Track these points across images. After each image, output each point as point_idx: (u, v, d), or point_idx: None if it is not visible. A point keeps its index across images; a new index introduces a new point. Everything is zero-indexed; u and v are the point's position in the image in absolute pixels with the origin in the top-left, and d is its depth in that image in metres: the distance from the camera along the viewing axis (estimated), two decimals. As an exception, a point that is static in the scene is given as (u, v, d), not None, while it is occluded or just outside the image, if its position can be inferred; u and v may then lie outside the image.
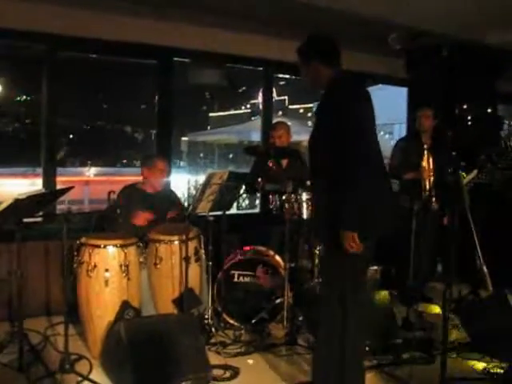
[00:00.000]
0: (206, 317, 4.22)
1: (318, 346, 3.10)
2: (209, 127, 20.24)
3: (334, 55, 3.01)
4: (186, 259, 3.92)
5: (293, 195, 4.26)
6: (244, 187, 4.69)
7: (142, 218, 4.31)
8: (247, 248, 4.71)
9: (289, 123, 5.26)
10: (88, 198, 12.00)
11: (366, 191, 2.74)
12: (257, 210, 6.30)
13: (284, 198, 4.31)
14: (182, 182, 11.84)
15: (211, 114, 20.98)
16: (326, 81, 2.98)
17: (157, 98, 5.32)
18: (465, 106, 6.21)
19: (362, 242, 2.83)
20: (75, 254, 3.82)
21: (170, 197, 4.62)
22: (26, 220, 3.50)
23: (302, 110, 19.21)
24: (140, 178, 4.54)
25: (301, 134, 9.52)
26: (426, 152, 4.73)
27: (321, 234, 3.08)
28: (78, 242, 3.85)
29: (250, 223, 5.40)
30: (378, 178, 2.87)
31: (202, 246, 4.26)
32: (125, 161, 18.74)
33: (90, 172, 14.87)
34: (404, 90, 6.86)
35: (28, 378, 3.30)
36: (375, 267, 4.79)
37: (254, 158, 5.11)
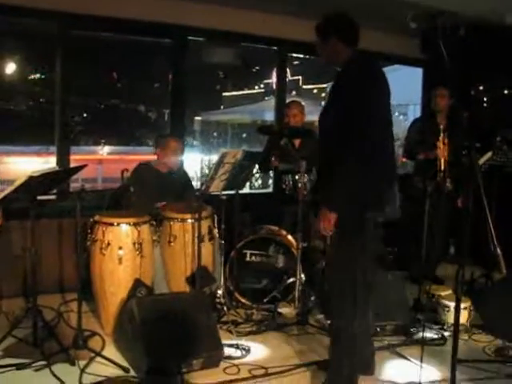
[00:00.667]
0: (218, 295, 4.24)
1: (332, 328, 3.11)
2: (222, 107, 20.16)
3: (352, 33, 2.98)
4: (199, 237, 3.93)
5: (306, 175, 4.25)
6: (257, 166, 4.69)
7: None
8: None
9: (303, 103, 5.23)
10: (101, 176, 12.06)
11: (360, 175, 2.71)
12: (270, 190, 6.30)
13: (297, 177, 4.29)
14: (195, 162, 11.85)
15: (225, 94, 20.86)
16: (342, 59, 2.95)
17: (170, 77, 5.31)
18: (481, 88, 6.13)
19: (367, 225, 2.84)
20: (89, 231, 3.85)
21: (183, 177, 4.63)
22: (39, 197, 3.52)
23: (315, 91, 19.03)
24: (154, 157, 4.55)
25: (314, 114, 9.43)
26: (441, 132, 4.68)
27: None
28: (91, 219, 3.87)
29: (263, 203, 5.40)
30: (383, 163, 2.85)
31: (216, 225, 4.27)
32: (139, 140, 18.79)
33: (104, 151, 14.91)
34: (418, 71, 6.78)
35: (42, 352, 3.34)
36: (389, 248, 4.78)
37: (268, 138, 5.10)
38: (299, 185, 4.20)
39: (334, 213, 2.79)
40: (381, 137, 2.81)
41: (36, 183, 3.20)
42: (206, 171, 14.08)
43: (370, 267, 3.05)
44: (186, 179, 4.70)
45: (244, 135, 17.50)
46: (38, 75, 16.27)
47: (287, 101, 5.55)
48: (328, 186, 2.80)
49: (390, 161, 2.95)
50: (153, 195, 4.35)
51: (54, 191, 4.65)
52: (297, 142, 4.93)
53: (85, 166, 3.53)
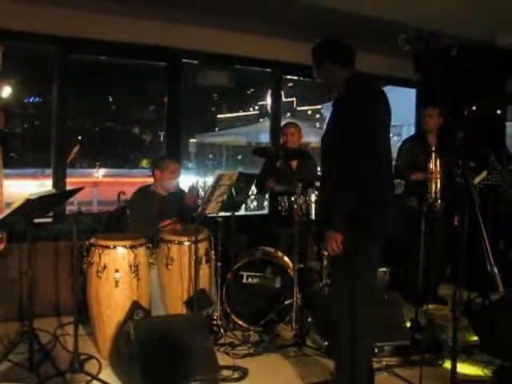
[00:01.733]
0: (215, 318, 4.23)
1: (333, 347, 3.11)
2: (217, 129, 20.24)
3: (347, 55, 3.00)
4: (197, 260, 3.94)
5: (302, 196, 4.27)
6: (253, 188, 4.70)
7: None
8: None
9: (299, 124, 5.27)
10: (97, 199, 12.06)
11: (364, 195, 2.74)
12: (265, 211, 6.30)
13: (293, 199, 4.31)
14: (191, 184, 11.89)
15: (219, 116, 20.97)
16: (339, 81, 2.98)
17: (166, 99, 5.34)
18: (474, 108, 6.19)
19: (370, 244, 2.85)
20: (85, 254, 3.86)
21: (182, 197, 4.65)
22: (36, 220, 3.52)
23: (310, 112, 19.16)
24: (150, 180, 4.57)
25: (310, 136, 9.51)
26: (433, 153, 4.72)
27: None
28: (87, 242, 3.87)
29: (259, 224, 5.41)
30: (386, 181, 2.88)
31: (212, 247, 4.28)
32: (134, 162, 18.83)
33: (99, 173, 14.93)
34: (412, 91, 6.85)
35: (38, 376, 3.31)
36: (384, 269, 4.78)
37: (264, 160, 5.12)
38: (295, 206, 4.21)
39: (340, 233, 2.80)
40: (384, 156, 2.85)
41: (33, 206, 3.20)
42: (202, 193, 14.11)
43: (373, 285, 3.05)
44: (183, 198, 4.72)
45: (239, 157, 17.56)
46: (34, 98, 16.35)
47: (282, 122, 5.59)
48: (333, 207, 2.81)
49: (390, 180, 2.99)
50: (151, 218, 4.35)
51: (51, 214, 4.69)
52: (294, 163, 4.96)
53: (81, 188, 3.54)
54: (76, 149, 4.17)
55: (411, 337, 3.99)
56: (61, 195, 3.67)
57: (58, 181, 4.85)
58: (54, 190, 3.66)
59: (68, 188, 4.75)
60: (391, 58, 5.87)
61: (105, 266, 3.75)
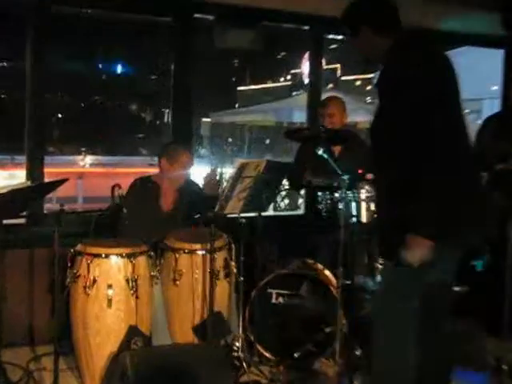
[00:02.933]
0: (236, 348, 4.24)
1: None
2: (238, 105, 20.31)
3: (388, 18, 3.00)
4: (213, 274, 3.95)
5: (349, 192, 4.25)
6: (285, 182, 4.71)
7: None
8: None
9: (343, 99, 5.25)
10: (82, 194, 12.16)
11: (450, 186, 2.71)
12: (300, 212, 6.30)
13: (337, 195, 4.30)
14: (204, 175, 11.92)
15: (241, 88, 21.03)
16: (383, 50, 2.96)
17: (172, 66, 5.36)
18: None
19: (449, 254, 2.83)
20: (69, 265, 3.89)
21: (193, 191, 4.67)
22: (6, 222, 3.57)
23: (358, 83, 19.07)
24: (153, 170, 4.62)
25: (358, 113, 9.45)
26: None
27: (384, 244, 3.07)
28: (72, 250, 3.92)
29: (293, 228, 5.40)
30: (465, 169, 2.85)
31: (233, 257, 4.29)
32: (131, 148, 18.93)
33: (85, 162, 15.06)
34: (497, 54, 6.71)
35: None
36: (458, 288, 4.73)
37: (298, 145, 5.11)
38: (340, 205, 4.20)
39: (430, 239, 2.79)
40: (460, 140, 2.82)
41: (2, 203, 3.24)
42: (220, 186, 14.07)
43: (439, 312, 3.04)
44: (197, 191, 4.74)
45: (267, 141, 17.60)
46: (1, 64, 16.53)
47: (323, 97, 5.58)
48: (414, 206, 2.77)
49: (473, 171, 2.96)
50: (154, 219, 4.40)
51: (24, 213, 4.73)
52: (336, 149, 4.95)
53: (65, 180, 3.59)
54: None
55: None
56: (38, 189, 3.73)
57: (34, 171, 4.90)
58: (28, 183, 3.71)
59: (47, 180, 4.80)
60: (469, 9, 5.81)
61: (94, 281, 3.79)
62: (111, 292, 3.78)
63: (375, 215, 4.19)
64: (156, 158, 4.69)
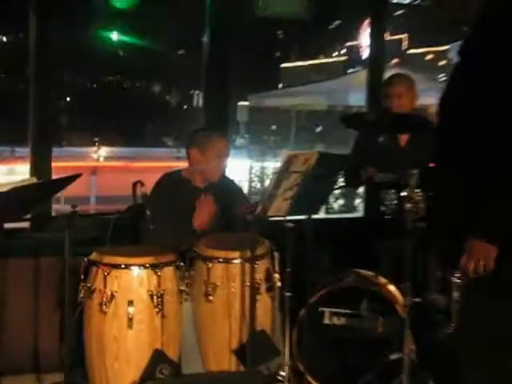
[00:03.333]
0: (281, 378, 4.25)
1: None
2: (281, 85, 20.27)
3: None
4: (253, 288, 3.98)
5: (418, 190, 4.23)
6: (342, 178, 4.70)
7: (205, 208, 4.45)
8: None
9: (411, 77, 5.23)
10: (96, 193, 12.24)
11: None
12: (359, 214, 6.30)
13: (405, 194, 4.29)
14: (241, 170, 11.93)
15: (286, 65, 20.99)
16: (471, 7, 2.95)
17: (204, 39, 5.39)
18: None
19: None
20: (82, 277, 3.94)
21: (231, 191, 4.70)
22: (7, 226, 3.62)
23: (429, 57, 18.88)
24: (180, 165, 4.64)
25: (428, 94, 9.36)
26: None
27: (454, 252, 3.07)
28: (85, 259, 3.97)
29: (350, 234, 5.41)
30: None
31: (277, 268, 4.32)
32: (153, 137, 18.97)
33: (99, 154, 15.12)
34: None
35: None
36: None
37: (356, 133, 5.11)
38: (407, 205, 4.19)
39: (495, 244, 2.80)
40: None
41: (3, 204, 3.29)
42: (258, 185, 14.11)
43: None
44: (236, 192, 4.77)
45: (318, 129, 17.52)
46: (2, 38, 16.72)
47: (386, 74, 5.57)
48: (481, 206, 2.78)
49: None
50: (184, 221, 4.44)
51: (29, 216, 4.79)
52: (403, 138, 4.94)
53: (78, 175, 3.63)
54: None
55: None
56: (45, 187, 3.77)
57: (39, 165, 4.99)
58: (33, 179, 3.76)
59: (55, 176, 4.88)
60: None
61: (112, 296, 3.83)
62: (132, 310, 3.81)
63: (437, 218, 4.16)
64: (184, 150, 4.71)
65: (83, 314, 3.95)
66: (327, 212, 9.17)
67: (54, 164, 5.06)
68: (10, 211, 3.49)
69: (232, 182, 4.85)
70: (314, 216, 4.46)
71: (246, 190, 10.60)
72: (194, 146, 4.58)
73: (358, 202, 10.03)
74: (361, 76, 7.53)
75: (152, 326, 3.85)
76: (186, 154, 4.66)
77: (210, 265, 4.14)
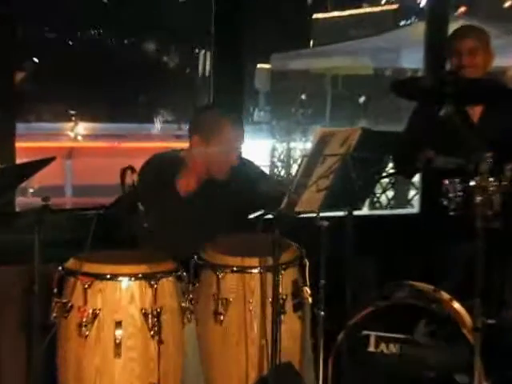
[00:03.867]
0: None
1: None
2: (313, 43, 20.27)
3: None
4: (277, 305, 3.99)
5: (492, 179, 4.22)
6: (392, 162, 4.70)
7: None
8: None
9: (484, 30, 5.21)
10: (71, 182, 12.26)
11: None
12: (414, 210, 6.30)
13: (474, 183, 4.29)
14: (261, 152, 11.94)
15: (319, 16, 20.98)
16: None
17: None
18: None
19: None
20: (55, 291, 3.97)
21: (247, 176, 4.71)
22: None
23: (508, 3, 18.84)
24: (178, 145, 4.65)
25: (507, 52, 9.32)
26: None
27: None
28: (60, 267, 3.99)
29: (402, 235, 5.42)
30: None
31: (308, 279, 4.33)
32: (147, 111, 18.99)
33: (76, 132, 15.15)
34: None
35: None
36: None
37: (412, 105, 5.11)
38: (477, 198, 4.18)
39: None
40: None
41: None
42: (283, 172, 14.03)
43: None
44: (254, 176, 4.78)
45: (361, 99, 17.47)
46: None
47: (451, 27, 5.56)
48: None
49: None
50: (183, 220, 4.46)
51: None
52: (476, 110, 4.93)
53: (51, 159, 3.65)
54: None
55: None
56: (8, 175, 3.80)
57: (2, 147, 5.03)
58: (-5, 164, 3.80)
59: (20, 160, 4.90)
60: None
61: (95, 315, 3.84)
62: (121, 333, 3.83)
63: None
64: (186, 126, 4.73)
65: (56, 338, 3.96)
66: (372, 207, 9.21)
67: (18, 145, 5.08)
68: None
69: (247, 164, 4.86)
70: (356, 212, 4.47)
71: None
72: (196, 132, 4.61)
73: (412, 194, 10.04)
74: (417, 30, 7.54)
75: (146, 354, 3.87)
76: (188, 138, 4.68)
77: (221, 275, 4.16)
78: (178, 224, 4.48)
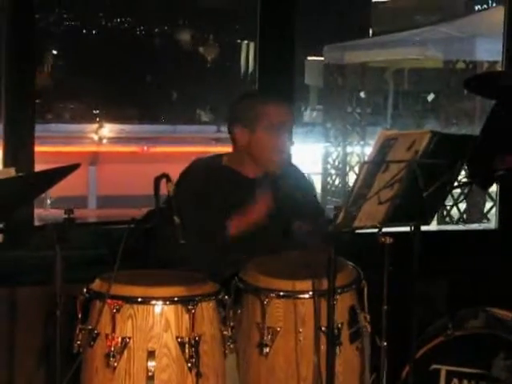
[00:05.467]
0: None
1: None
2: (373, 32, 20.24)
3: None
4: (332, 336, 3.99)
5: None
6: (466, 170, 4.71)
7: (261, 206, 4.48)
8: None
9: None
10: (96, 191, 12.27)
11: None
12: (490, 225, 6.28)
13: None
14: (312, 158, 11.94)
15: (378, 0, 20.95)
16: None
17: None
18: None
19: None
20: (79, 316, 4.00)
21: (297, 183, 4.73)
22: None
23: None
24: (222, 150, 4.67)
25: None
26: None
27: None
28: (85, 289, 4.03)
29: (476, 254, 5.41)
30: None
31: (366, 304, 4.33)
32: (180, 111, 19.00)
33: (101, 134, 15.19)
34: None
35: None
36: None
37: (489, 103, 5.10)
38: None
39: None
40: None
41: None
42: (337, 181, 13.99)
43: None
44: (304, 188, 4.80)
45: (429, 97, 17.39)
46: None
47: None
48: None
49: None
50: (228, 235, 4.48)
51: (1, 226, 4.86)
52: None
53: (75, 166, 3.67)
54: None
55: None
56: (28, 183, 3.83)
57: (16, 151, 5.09)
58: (11, 171, 3.82)
59: (39, 168, 4.93)
60: None
61: (125, 344, 3.87)
62: (154, 364, 3.85)
63: None
64: (224, 129, 4.74)
65: (81, 370, 3.98)
66: (442, 221, 9.19)
67: (37, 149, 5.12)
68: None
69: (298, 170, 4.88)
70: (424, 227, 4.47)
71: (318, 187, 10.65)
72: (238, 121, 4.63)
73: (488, 206, 9.98)
74: (495, 15, 7.53)
75: (182, 388, 3.88)
76: (228, 134, 4.70)
77: (266, 300, 4.14)
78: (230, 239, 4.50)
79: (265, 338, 4.14)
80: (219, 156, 4.76)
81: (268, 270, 4.28)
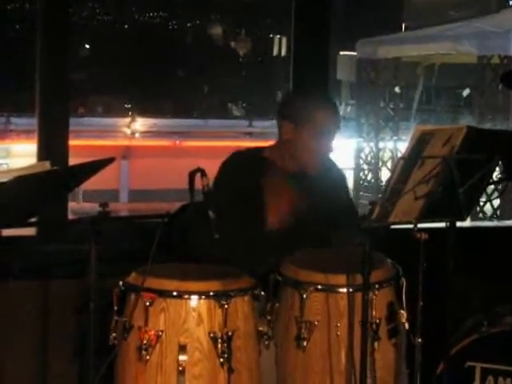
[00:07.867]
0: None
1: None
2: (405, 26, 20.21)
3: None
4: (369, 330, 3.97)
5: None
6: (502, 165, 4.68)
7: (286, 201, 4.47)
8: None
9: None
10: (127, 185, 12.25)
11: None
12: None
13: None
14: (344, 153, 11.92)
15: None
16: None
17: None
18: None
19: None
20: (115, 309, 4.00)
21: (335, 180, 4.72)
22: (4, 233, 3.67)
23: None
24: (251, 145, 4.65)
25: None
26: None
27: None
28: (120, 282, 4.02)
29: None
30: None
31: (404, 300, 4.32)
32: (213, 104, 19.00)
33: (133, 128, 15.16)
34: None
35: None
36: None
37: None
38: None
39: None
40: None
41: (6, 199, 3.36)
42: (370, 176, 13.97)
43: None
44: (341, 191, 4.78)
45: (465, 92, 17.30)
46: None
47: None
48: None
49: None
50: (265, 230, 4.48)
51: (35, 220, 4.85)
52: None
53: (110, 160, 3.67)
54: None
55: None
56: (63, 176, 3.83)
57: (51, 144, 5.09)
58: (46, 164, 3.82)
59: (72, 162, 4.94)
60: None
61: (157, 338, 3.85)
62: (185, 358, 3.83)
63: None
64: (258, 124, 4.72)
65: (115, 363, 3.99)
66: (476, 218, 9.17)
67: (69, 143, 5.13)
68: (9, 212, 3.52)
69: (339, 172, 4.87)
70: (459, 223, 4.45)
71: (350, 182, 10.62)
72: (287, 115, 4.62)
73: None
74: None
75: (214, 382, 3.88)
76: (279, 127, 4.68)
77: (305, 294, 4.11)
78: (266, 234, 4.50)
79: (303, 331, 4.11)
80: (260, 148, 4.78)
81: (307, 264, 4.26)
